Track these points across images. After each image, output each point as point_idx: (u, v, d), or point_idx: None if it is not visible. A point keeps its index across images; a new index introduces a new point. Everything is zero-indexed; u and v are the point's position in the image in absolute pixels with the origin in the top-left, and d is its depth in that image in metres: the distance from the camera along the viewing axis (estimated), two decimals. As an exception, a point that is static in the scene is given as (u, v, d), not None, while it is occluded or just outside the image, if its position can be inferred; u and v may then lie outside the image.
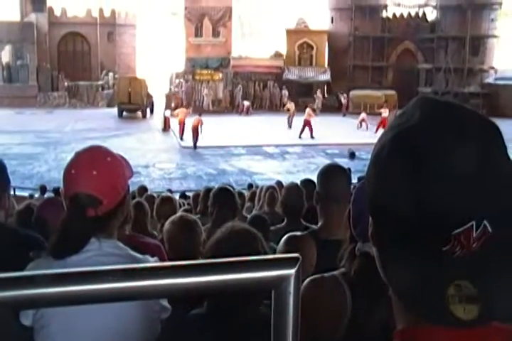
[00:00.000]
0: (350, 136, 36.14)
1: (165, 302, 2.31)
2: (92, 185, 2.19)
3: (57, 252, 2.18)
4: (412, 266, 0.93)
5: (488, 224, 0.88)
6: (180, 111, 37.36)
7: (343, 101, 50.55)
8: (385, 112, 38.04)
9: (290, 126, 40.53)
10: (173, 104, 49.82)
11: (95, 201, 2.18)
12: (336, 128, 37.66)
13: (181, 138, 35.60)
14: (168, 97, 52.67)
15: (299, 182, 6.83)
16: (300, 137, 36.10)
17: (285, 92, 53.52)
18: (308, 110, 36.88)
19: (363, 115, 40.17)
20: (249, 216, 6.32)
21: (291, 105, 41.99)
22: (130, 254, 2.28)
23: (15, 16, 61.49)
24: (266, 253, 2.45)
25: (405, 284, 0.95)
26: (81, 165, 2.26)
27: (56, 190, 15.37)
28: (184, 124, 35.14)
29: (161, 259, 2.90)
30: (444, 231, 0.88)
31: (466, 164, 0.88)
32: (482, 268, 0.90)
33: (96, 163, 2.26)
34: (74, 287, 0.85)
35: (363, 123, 39.54)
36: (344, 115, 46.74)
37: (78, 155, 2.32)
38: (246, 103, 51.10)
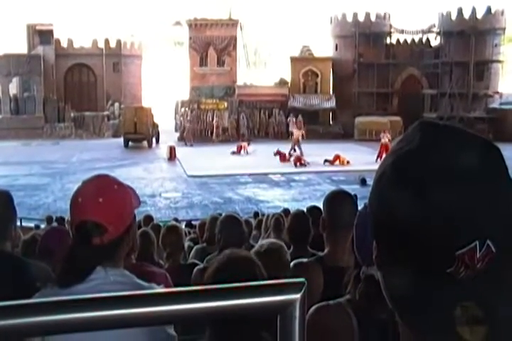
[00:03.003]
0: (356, 162, 36.13)
1: (171, 330, 2.30)
2: (98, 212, 2.20)
3: (63, 281, 2.18)
4: (417, 288, 0.93)
5: (492, 243, 0.88)
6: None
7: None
8: (384, 138, 37.95)
9: (291, 151, 40.87)
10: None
11: (101, 229, 2.19)
12: (341, 154, 37.59)
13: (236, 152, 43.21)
14: (182, 128, 53.43)
15: (305, 210, 6.82)
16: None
17: (293, 119, 53.37)
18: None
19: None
20: (255, 244, 6.30)
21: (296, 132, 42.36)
22: (136, 282, 2.28)
23: (22, 49, 62.18)
24: (264, 280, 2.44)
25: (411, 307, 0.95)
26: (87, 193, 2.27)
27: (60, 219, 15.41)
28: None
29: (167, 288, 2.89)
30: (448, 253, 0.88)
31: (467, 186, 0.88)
32: (487, 288, 0.90)
33: (102, 190, 2.27)
34: (80, 314, 0.85)
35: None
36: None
37: (85, 184, 2.33)
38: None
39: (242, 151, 43.47)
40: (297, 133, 42.08)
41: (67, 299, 0.89)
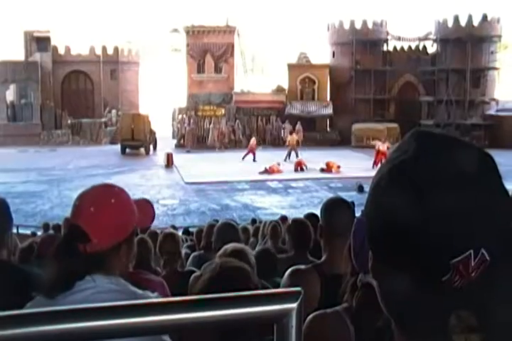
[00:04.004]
0: (353, 169, 36.09)
1: (166, 338, 2.29)
2: (85, 220, 2.20)
3: (50, 289, 2.17)
4: (412, 297, 0.93)
5: (486, 252, 0.88)
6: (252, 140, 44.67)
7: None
8: (381, 145, 37.98)
9: (287, 158, 41.04)
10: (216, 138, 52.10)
11: (84, 237, 2.17)
12: (339, 161, 37.62)
13: (243, 158, 42.30)
14: (179, 135, 53.60)
15: (302, 217, 6.83)
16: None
17: (287, 126, 53.42)
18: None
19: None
20: (253, 251, 6.29)
21: (291, 137, 42.66)
22: (130, 290, 2.26)
23: (19, 56, 62.23)
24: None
25: (407, 316, 0.95)
26: (84, 199, 2.28)
27: (57, 227, 15.36)
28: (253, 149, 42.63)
29: (164, 296, 2.88)
30: (443, 261, 0.88)
31: (462, 195, 0.89)
32: (482, 297, 0.90)
33: (98, 201, 2.27)
34: (74, 324, 0.84)
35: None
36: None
37: (90, 189, 2.35)
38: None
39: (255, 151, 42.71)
40: (290, 138, 42.42)
41: (61, 309, 0.88)
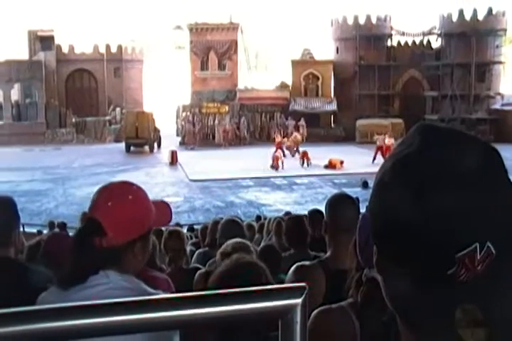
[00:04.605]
0: (358, 165, 36.07)
1: (175, 336, 2.29)
2: (102, 214, 2.22)
3: (65, 281, 2.19)
4: (417, 292, 0.93)
5: (492, 245, 0.88)
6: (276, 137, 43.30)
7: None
8: (379, 141, 38.17)
9: (293, 155, 41.03)
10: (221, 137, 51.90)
11: (100, 230, 2.20)
12: (343, 157, 37.59)
13: (285, 156, 40.03)
14: (183, 133, 53.63)
15: (306, 213, 6.82)
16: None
17: (290, 122, 53.46)
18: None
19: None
20: (257, 248, 6.30)
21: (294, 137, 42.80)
22: (143, 288, 2.28)
23: (23, 55, 62.32)
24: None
25: (412, 311, 0.95)
26: (103, 194, 2.31)
27: (62, 225, 15.41)
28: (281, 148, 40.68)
29: (169, 293, 2.88)
30: (448, 255, 0.88)
31: (466, 189, 0.88)
32: (487, 291, 0.90)
33: (115, 196, 2.29)
34: (86, 320, 0.84)
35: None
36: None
37: (108, 184, 2.39)
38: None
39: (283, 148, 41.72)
40: (293, 137, 42.59)
41: (71, 305, 0.88)
